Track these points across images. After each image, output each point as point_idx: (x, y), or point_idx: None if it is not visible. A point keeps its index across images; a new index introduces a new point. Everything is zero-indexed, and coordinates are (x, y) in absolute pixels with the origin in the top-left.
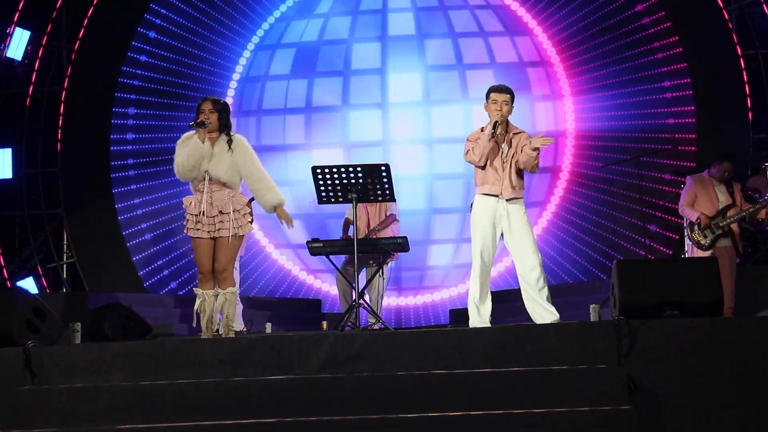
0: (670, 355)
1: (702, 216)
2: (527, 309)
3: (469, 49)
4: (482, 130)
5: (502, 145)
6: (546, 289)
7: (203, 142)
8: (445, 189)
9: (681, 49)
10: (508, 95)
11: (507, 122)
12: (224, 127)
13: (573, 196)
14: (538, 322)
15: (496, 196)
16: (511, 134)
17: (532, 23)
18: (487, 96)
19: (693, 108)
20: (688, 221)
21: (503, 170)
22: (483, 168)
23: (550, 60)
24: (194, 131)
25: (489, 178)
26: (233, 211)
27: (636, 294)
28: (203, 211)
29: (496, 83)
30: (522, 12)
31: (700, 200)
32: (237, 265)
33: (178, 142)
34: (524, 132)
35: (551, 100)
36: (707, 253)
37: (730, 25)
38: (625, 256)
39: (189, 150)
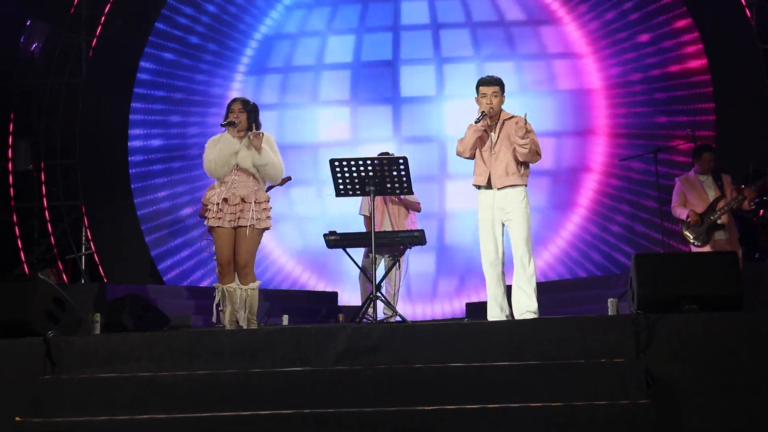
0: (689, 350)
1: (691, 213)
2: (512, 294)
3: (487, 39)
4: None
5: (491, 134)
6: (534, 278)
7: (234, 138)
8: None
9: (702, 46)
10: (497, 86)
11: (500, 111)
12: (252, 126)
13: (592, 192)
14: (516, 311)
15: (489, 187)
16: (501, 122)
17: (561, 11)
18: (477, 89)
19: (712, 105)
20: (680, 221)
21: (492, 158)
22: (472, 159)
23: (578, 53)
24: (224, 132)
25: (477, 169)
26: (254, 202)
27: (654, 288)
28: (227, 199)
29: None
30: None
31: (690, 199)
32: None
33: (208, 143)
34: (516, 116)
35: (576, 96)
36: (704, 249)
37: (751, 20)
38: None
39: (221, 146)
